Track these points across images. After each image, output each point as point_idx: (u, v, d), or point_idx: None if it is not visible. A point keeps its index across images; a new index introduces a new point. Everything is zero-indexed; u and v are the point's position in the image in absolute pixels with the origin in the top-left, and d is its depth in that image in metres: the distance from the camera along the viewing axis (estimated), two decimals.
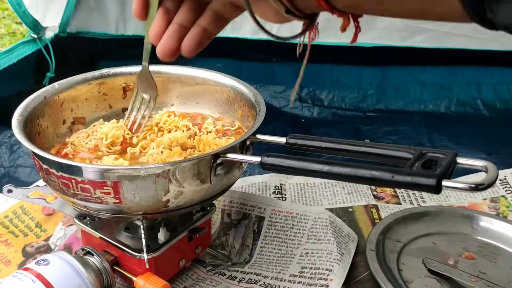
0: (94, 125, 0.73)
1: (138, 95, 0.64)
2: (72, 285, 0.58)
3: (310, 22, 0.43)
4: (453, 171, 0.45)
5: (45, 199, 0.74)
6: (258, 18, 0.41)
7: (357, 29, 0.44)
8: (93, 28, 1.23)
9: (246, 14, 0.41)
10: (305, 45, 0.48)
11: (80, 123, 0.73)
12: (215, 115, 0.76)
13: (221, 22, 0.46)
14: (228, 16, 0.46)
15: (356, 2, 0.37)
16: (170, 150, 0.65)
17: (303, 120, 1.23)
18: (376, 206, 0.86)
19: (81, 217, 0.67)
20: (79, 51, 1.23)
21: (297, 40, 0.46)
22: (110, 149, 0.67)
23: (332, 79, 1.27)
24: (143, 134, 0.70)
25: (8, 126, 0.62)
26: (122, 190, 0.54)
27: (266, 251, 0.75)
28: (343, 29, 0.43)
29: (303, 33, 0.44)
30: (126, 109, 0.78)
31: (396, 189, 0.90)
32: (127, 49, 1.22)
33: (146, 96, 0.63)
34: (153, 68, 0.77)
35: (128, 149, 0.67)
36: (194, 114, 0.76)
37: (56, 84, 0.71)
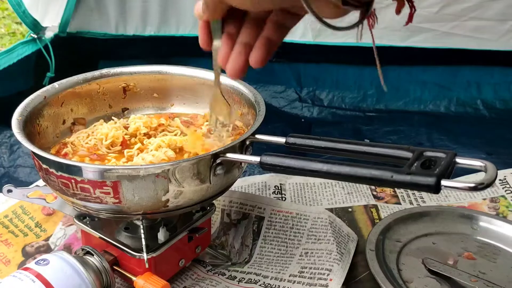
0: (95, 125, 0.73)
1: (213, 118, 0.64)
2: (72, 285, 0.58)
3: (366, 10, 0.44)
4: (452, 171, 0.45)
5: (45, 199, 0.74)
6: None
7: (412, 9, 0.45)
8: (93, 28, 1.24)
9: None
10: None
11: (80, 123, 0.73)
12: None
13: (283, 31, 0.49)
14: (289, 25, 0.49)
15: None
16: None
17: (303, 120, 1.23)
18: (375, 206, 0.86)
19: (81, 217, 0.67)
20: (79, 51, 1.23)
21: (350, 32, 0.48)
22: (110, 149, 0.67)
23: (332, 79, 1.27)
24: (138, 136, 0.70)
25: (8, 126, 0.62)
26: (121, 190, 0.54)
27: (265, 251, 0.75)
28: (398, 11, 0.44)
29: (360, 21, 0.45)
30: (126, 109, 0.78)
31: (395, 189, 0.90)
32: (127, 49, 1.23)
33: (221, 118, 0.63)
34: (153, 67, 0.78)
35: (126, 151, 0.67)
36: (193, 115, 0.76)
37: (56, 84, 0.71)
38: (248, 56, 0.49)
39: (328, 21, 0.42)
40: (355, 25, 0.45)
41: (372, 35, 0.49)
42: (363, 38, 0.47)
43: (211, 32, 0.51)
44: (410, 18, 0.47)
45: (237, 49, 0.49)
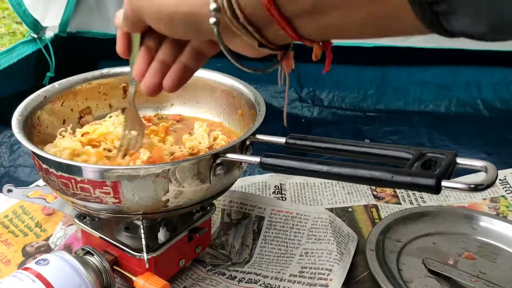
0: (111, 116, 0.73)
1: (126, 132, 0.63)
2: (72, 285, 0.58)
3: (284, 52, 0.44)
4: (452, 171, 0.45)
5: (45, 199, 0.74)
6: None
7: (329, 57, 0.45)
8: (93, 28, 1.23)
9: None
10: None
11: (87, 113, 0.73)
12: (214, 116, 0.75)
13: (201, 58, 0.48)
14: (206, 53, 0.47)
15: (320, 30, 0.38)
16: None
17: (303, 120, 1.22)
18: (376, 206, 0.86)
19: (81, 216, 0.67)
20: (79, 51, 1.23)
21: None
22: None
23: (332, 79, 1.26)
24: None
25: (8, 126, 0.62)
26: (121, 189, 0.54)
27: (266, 251, 0.75)
28: (315, 56, 0.44)
29: (278, 63, 0.45)
30: (124, 109, 0.78)
31: (396, 189, 0.90)
32: None
33: (134, 133, 0.62)
34: None
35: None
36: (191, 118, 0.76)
37: (56, 84, 0.71)
38: (163, 76, 0.48)
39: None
40: (274, 65, 0.45)
41: (287, 78, 0.49)
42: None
43: (131, 42, 0.51)
44: (327, 66, 0.46)
45: (154, 67, 0.48)
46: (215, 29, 0.38)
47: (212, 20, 0.38)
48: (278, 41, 0.41)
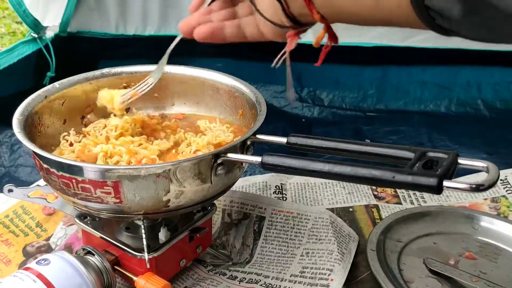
0: (115, 114, 0.73)
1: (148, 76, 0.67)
2: (72, 285, 0.58)
3: (298, 32, 0.49)
4: (454, 172, 0.45)
5: (45, 199, 0.74)
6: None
7: (329, 45, 0.49)
8: (93, 28, 1.23)
9: None
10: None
11: (88, 112, 0.73)
12: (215, 116, 0.76)
13: (240, 34, 0.53)
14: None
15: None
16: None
17: (303, 120, 1.23)
18: (376, 206, 0.86)
19: (82, 216, 0.67)
20: (79, 51, 1.23)
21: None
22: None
23: (332, 79, 1.26)
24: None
25: (9, 125, 0.62)
26: (122, 189, 0.54)
27: (266, 251, 0.75)
28: (316, 43, 0.48)
29: (288, 28, 0.49)
30: (128, 108, 0.77)
31: (397, 189, 0.90)
32: (127, 49, 1.23)
33: (150, 80, 0.66)
34: (153, 67, 0.77)
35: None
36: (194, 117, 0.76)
37: (56, 84, 0.71)
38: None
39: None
40: (285, 28, 0.49)
41: (287, 58, 0.56)
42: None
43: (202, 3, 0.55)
44: (322, 56, 0.49)
45: (202, 17, 0.54)
46: None
47: None
48: (296, 13, 0.45)
